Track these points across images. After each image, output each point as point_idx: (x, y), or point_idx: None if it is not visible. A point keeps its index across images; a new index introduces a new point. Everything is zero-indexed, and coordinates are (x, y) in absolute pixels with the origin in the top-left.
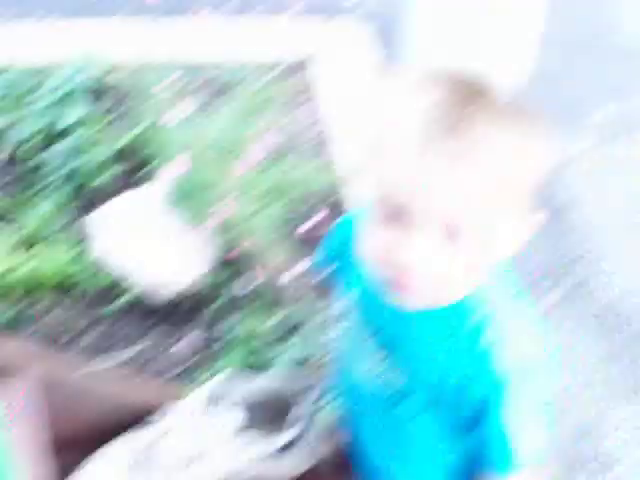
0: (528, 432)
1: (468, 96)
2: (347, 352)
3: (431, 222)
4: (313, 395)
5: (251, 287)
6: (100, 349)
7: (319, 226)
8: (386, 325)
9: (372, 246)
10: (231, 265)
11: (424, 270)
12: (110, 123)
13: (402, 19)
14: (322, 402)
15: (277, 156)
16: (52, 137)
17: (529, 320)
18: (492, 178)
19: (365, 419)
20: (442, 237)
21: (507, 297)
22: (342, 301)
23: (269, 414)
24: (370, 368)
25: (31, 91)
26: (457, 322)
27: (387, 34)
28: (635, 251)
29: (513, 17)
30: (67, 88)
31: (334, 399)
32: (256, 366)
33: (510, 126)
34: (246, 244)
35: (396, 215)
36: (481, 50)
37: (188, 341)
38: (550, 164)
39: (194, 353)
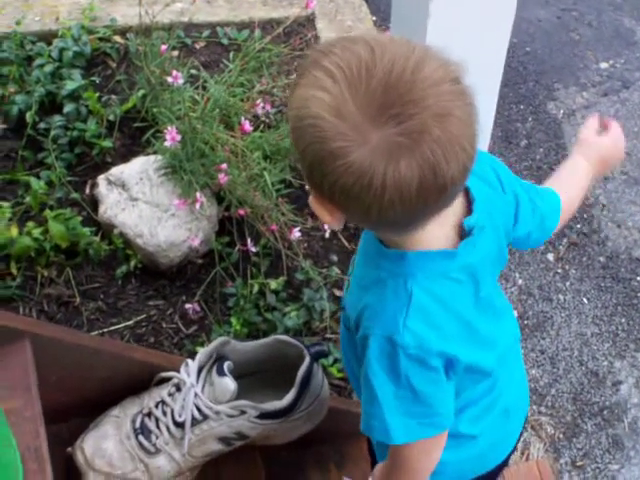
0: (392, 403)
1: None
2: None
3: None
4: (307, 362)
5: (255, 249)
6: (110, 312)
7: None
8: (360, 245)
9: None
10: (235, 227)
11: None
12: (112, 87)
13: None
14: (317, 367)
15: (282, 114)
16: (53, 105)
17: (425, 306)
18: None
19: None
20: None
21: (417, 274)
22: None
23: (263, 381)
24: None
25: (32, 58)
26: (368, 271)
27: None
28: (638, 203)
29: None
30: (66, 55)
31: (330, 364)
32: (257, 331)
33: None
34: (249, 206)
35: None
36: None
37: (192, 306)
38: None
39: (197, 318)
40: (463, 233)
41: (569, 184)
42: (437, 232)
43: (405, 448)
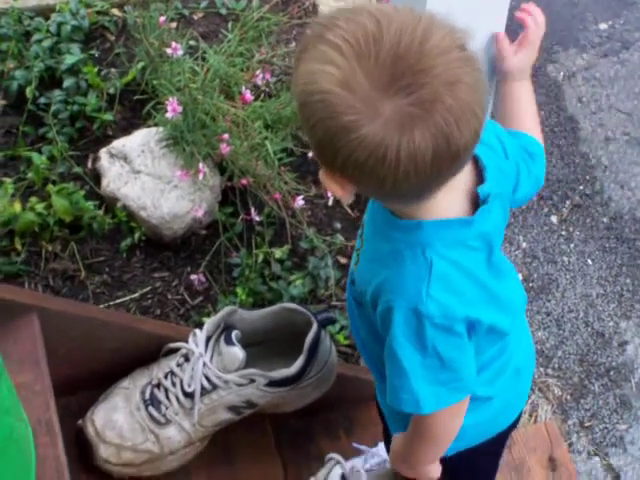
0: (420, 374)
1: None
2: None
3: None
4: (315, 329)
5: (258, 218)
6: (115, 285)
7: None
8: (366, 218)
9: None
10: (238, 197)
11: None
12: (111, 61)
13: None
14: (325, 334)
15: (282, 83)
16: (53, 80)
17: (445, 274)
18: None
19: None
20: None
21: (436, 242)
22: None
23: (271, 349)
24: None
25: (30, 34)
26: (381, 244)
27: None
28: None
29: None
30: (65, 29)
31: (336, 331)
32: (263, 300)
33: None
34: (252, 176)
35: None
36: None
37: (197, 277)
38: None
39: (203, 289)
40: (478, 201)
41: (534, 121)
42: (450, 200)
43: (431, 416)
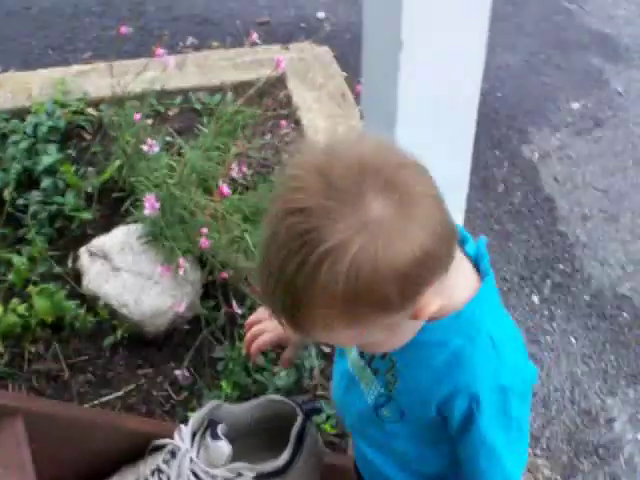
0: (508, 450)
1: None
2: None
3: None
4: (301, 420)
5: (241, 311)
6: (100, 384)
7: None
8: None
9: None
10: (220, 291)
11: None
12: (88, 159)
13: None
14: (310, 425)
15: (259, 175)
16: (30, 181)
17: (504, 338)
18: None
19: (357, 427)
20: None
21: (481, 317)
22: None
23: (257, 441)
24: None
25: (6, 135)
26: (430, 351)
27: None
28: (618, 240)
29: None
30: (41, 130)
31: (323, 421)
32: (248, 393)
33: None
34: (232, 268)
35: None
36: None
37: (181, 372)
38: None
39: (187, 384)
40: (475, 263)
41: None
42: (464, 275)
43: None
